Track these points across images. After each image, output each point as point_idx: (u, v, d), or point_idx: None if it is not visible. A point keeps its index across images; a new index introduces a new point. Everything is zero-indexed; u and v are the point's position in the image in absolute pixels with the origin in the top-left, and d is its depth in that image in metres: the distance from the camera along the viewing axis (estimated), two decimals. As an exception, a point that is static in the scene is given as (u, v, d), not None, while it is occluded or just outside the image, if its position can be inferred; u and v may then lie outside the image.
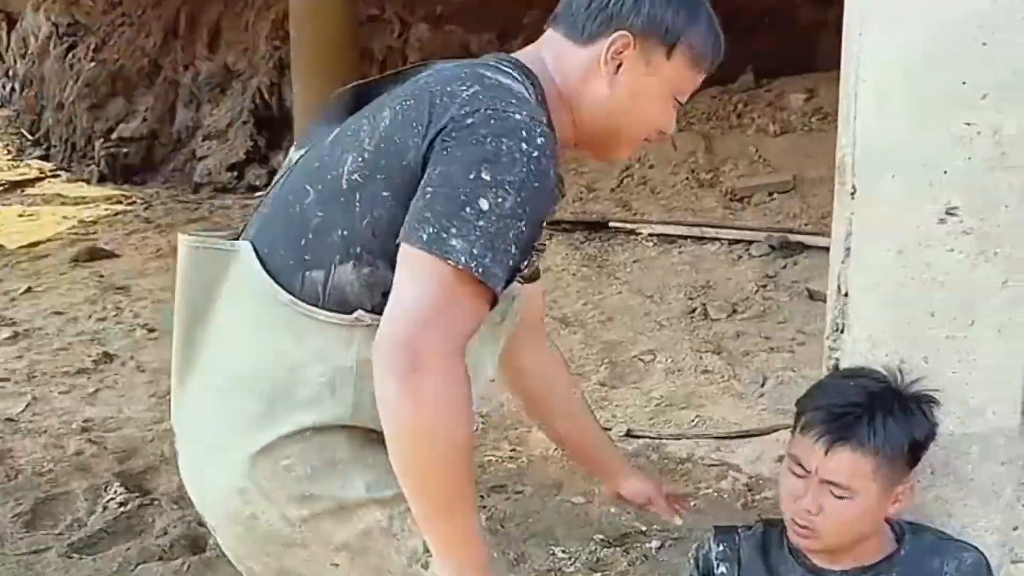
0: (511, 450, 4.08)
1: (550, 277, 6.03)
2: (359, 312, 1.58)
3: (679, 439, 4.10)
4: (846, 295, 1.96)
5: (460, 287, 1.47)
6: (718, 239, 6.21)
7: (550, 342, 2.14)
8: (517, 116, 1.52)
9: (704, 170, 7.08)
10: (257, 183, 9.50)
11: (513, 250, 1.49)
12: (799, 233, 6.05)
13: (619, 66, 1.68)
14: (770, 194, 6.69)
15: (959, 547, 1.89)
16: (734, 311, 5.38)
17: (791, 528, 1.88)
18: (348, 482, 1.62)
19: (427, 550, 1.60)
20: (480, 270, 1.46)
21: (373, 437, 1.59)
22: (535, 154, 1.51)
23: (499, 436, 4.19)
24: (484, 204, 1.47)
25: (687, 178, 6.95)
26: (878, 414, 1.79)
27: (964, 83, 1.80)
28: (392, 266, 1.51)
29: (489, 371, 1.75)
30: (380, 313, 1.51)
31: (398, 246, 1.51)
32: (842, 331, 1.97)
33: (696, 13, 1.72)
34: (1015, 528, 1.98)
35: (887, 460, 1.79)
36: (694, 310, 5.37)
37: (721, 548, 2.03)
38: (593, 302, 5.65)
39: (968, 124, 1.81)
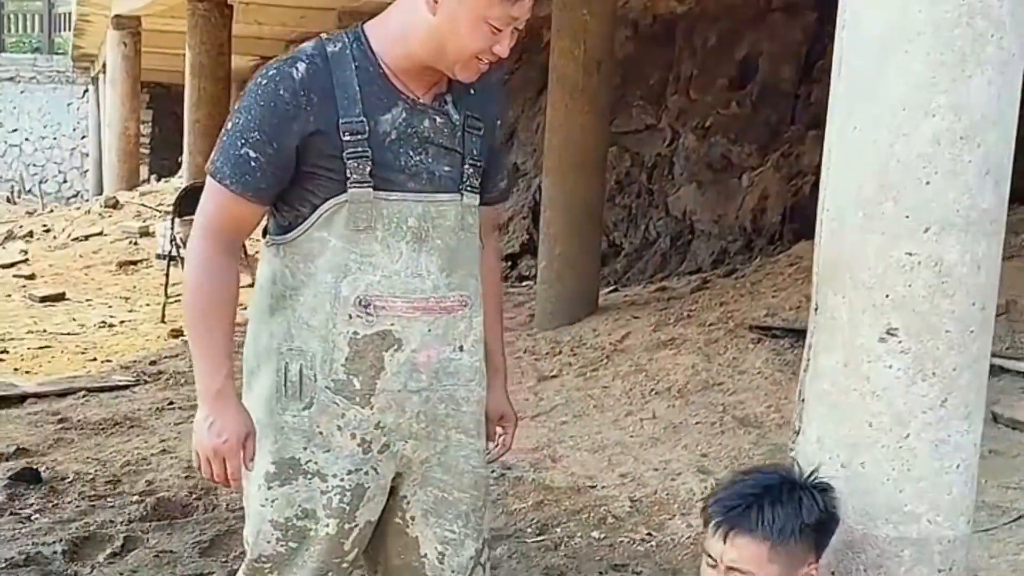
0: (646, 534, 4.29)
1: (744, 379, 6.19)
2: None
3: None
4: (803, 400, 2.16)
5: (210, 188, 2.12)
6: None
7: (497, 250, 2.55)
8: (275, 64, 2.10)
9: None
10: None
11: (243, 151, 2.06)
12: (997, 356, 5.96)
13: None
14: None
15: None
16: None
17: None
18: None
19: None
20: (212, 169, 2.09)
21: None
22: (264, 82, 2.07)
23: (640, 521, 4.41)
24: (228, 125, 2.10)
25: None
26: (766, 503, 2.01)
27: (907, 217, 2.00)
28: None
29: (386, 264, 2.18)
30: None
31: None
32: (799, 432, 2.17)
33: None
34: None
35: (780, 543, 2.00)
36: (875, 421, 5.39)
37: None
38: (776, 405, 5.76)
39: (910, 254, 2.00)
